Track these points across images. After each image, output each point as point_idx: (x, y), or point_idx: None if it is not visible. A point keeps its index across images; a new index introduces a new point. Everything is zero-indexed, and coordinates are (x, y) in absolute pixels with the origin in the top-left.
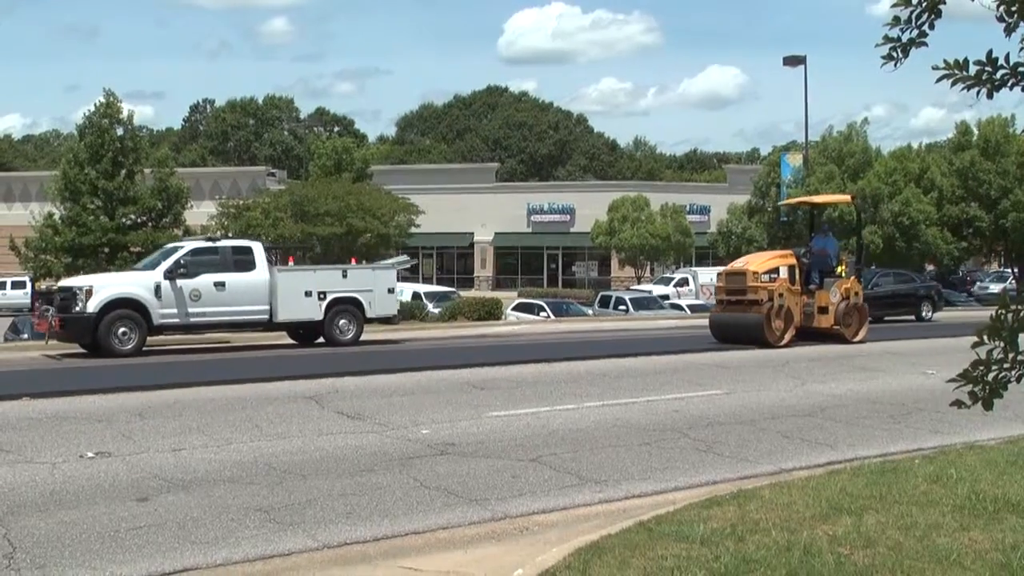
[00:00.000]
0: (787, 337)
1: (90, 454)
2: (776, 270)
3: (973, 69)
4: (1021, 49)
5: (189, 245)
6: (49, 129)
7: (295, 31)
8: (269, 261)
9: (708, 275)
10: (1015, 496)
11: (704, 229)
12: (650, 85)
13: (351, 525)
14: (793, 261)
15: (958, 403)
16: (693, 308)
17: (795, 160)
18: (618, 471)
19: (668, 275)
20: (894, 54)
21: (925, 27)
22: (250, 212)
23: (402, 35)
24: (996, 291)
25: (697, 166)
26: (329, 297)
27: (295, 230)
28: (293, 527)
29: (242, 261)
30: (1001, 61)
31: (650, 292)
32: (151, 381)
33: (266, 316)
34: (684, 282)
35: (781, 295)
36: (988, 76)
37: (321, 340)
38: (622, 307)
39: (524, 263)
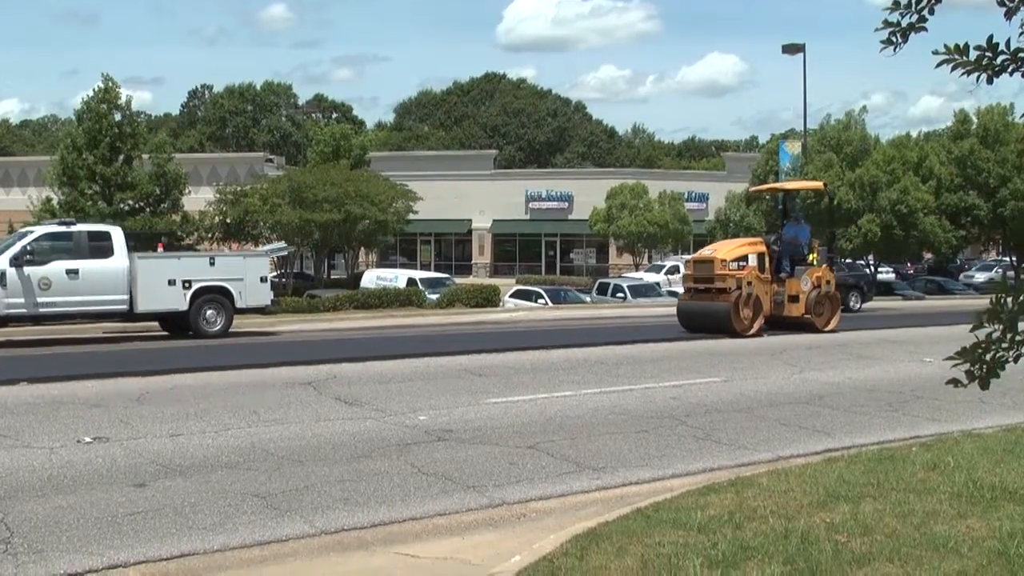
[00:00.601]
0: (756, 326)
1: (88, 439)
2: (745, 258)
3: (973, 54)
4: (1021, 34)
5: (40, 230)
6: (47, 114)
7: (294, 17)
8: (130, 247)
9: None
10: (1012, 484)
11: (702, 217)
12: (649, 72)
13: (348, 511)
14: (763, 249)
15: (954, 381)
16: None
17: (793, 148)
18: (615, 458)
19: (659, 262)
20: (893, 39)
21: (925, 12)
22: (248, 198)
23: (401, 22)
24: (981, 280)
25: (695, 154)
26: (195, 286)
27: (293, 216)
28: (291, 513)
29: (99, 247)
30: (1002, 46)
31: (641, 279)
32: (149, 367)
33: (125, 306)
34: (675, 270)
35: (750, 283)
36: (988, 62)
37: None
38: (620, 294)
39: (522, 250)
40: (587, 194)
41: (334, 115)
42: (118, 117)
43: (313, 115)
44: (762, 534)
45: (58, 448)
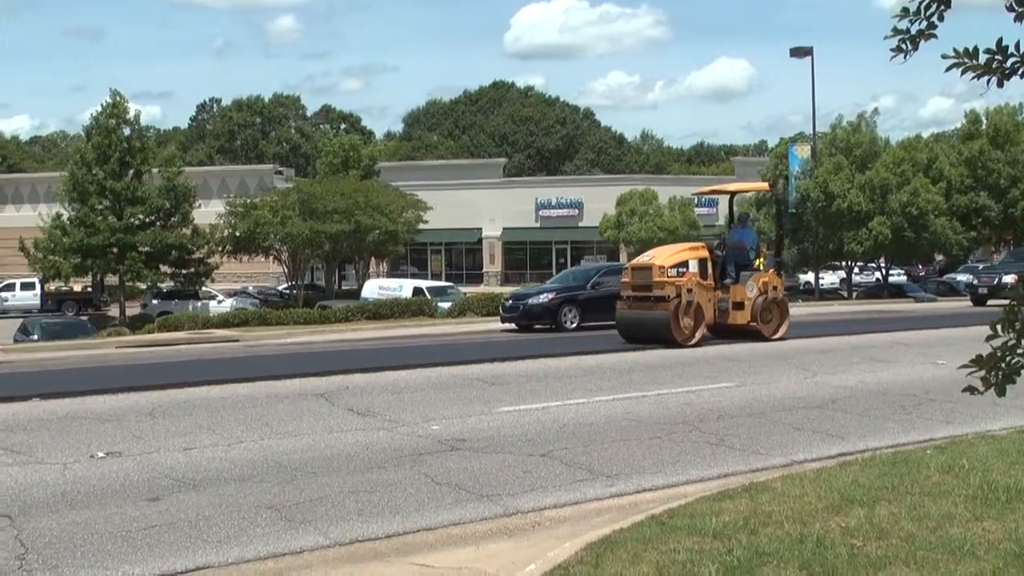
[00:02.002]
0: (697, 336)
1: (101, 454)
2: (685, 264)
3: (983, 58)
4: None
5: None
6: (56, 130)
7: (302, 29)
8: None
9: None
10: None
11: (712, 222)
12: (658, 78)
13: (363, 522)
14: (705, 254)
15: (970, 389)
16: None
17: (803, 152)
18: (629, 465)
19: None
20: (903, 46)
21: (934, 18)
22: (258, 210)
23: (409, 31)
24: (965, 282)
25: (705, 159)
26: None
27: (303, 228)
28: (304, 525)
29: None
30: (1011, 49)
31: None
32: (161, 380)
33: None
34: None
35: (690, 290)
36: (998, 64)
37: None
38: None
39: (533, 258)
40: (597, 201)
41: (343, 126)
42: (127, 132)
43: (322, 126)
44: (777, 539)
45: (71, 464)
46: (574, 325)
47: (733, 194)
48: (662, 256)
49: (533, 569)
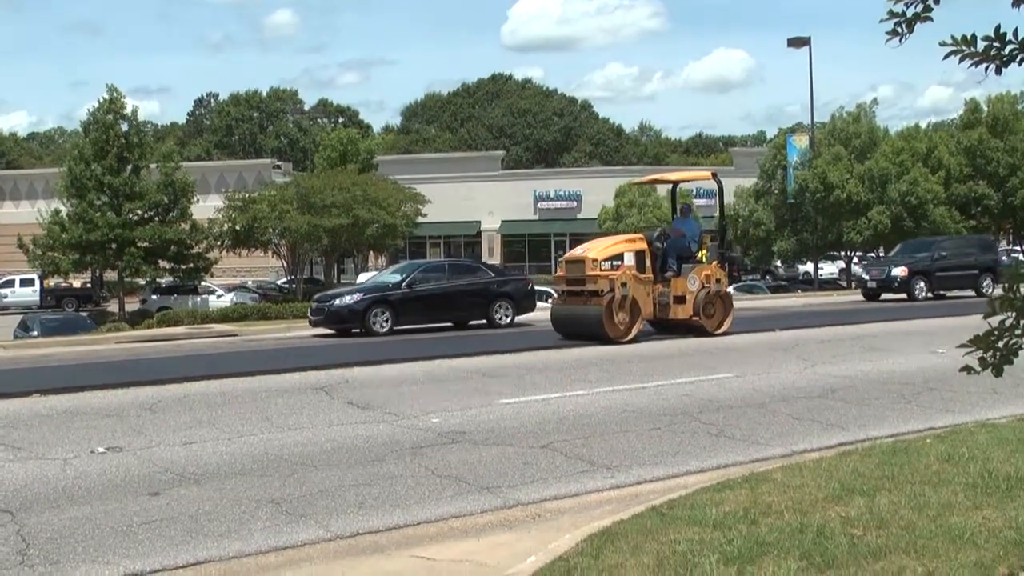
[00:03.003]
0: (634, 331)
1: (101, 449)
2: (620, 256)
3: (981, 45)
4: None
5: None
6: (55, 126)
7: (299, 23)
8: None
9: None
10: None
11: (711, 213)
12: (656, 70)
13: (363, 515)
14: (643, 246)
15: (968, 369)
16: None
17: (801, 142)
18: (629, 456)
19: None
20: (899, 29)
21: (930, 1)
22: (256, 205)
23: (406, 25)
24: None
25: (703, 150)
26: None
27: (301, 222)
28: (305, 518)
29: None
30: (1009, 36)
31: None
32: (161, 375)
33: None
34: None
35: (624, 284)
36: (996, 52)
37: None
38: None
39: (532, 250)
40: (595, 193)
41: (340, 119)
42: (125, 127)
43: (319, 120)
44: (777, 529)
45: (72, 459)
46: (385, 329)
47: (675, 183)
48: (596, 249)
49: (534, 560)
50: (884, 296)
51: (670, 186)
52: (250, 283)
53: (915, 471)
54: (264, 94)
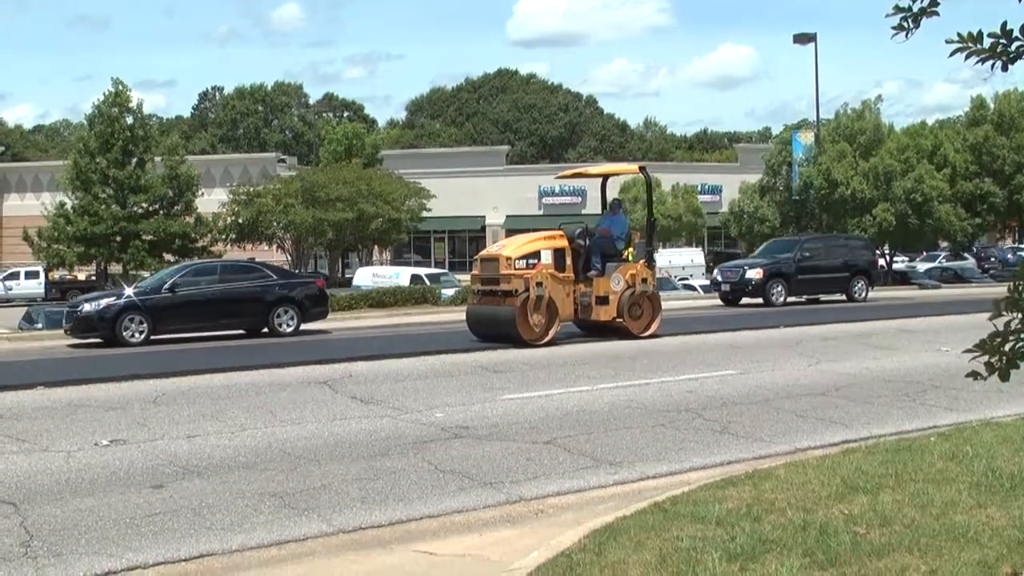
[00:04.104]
0: (550, 334)
1: (105, 442)
2: (536, 255)
3: (987, 42)
4: None
5: None
6: (60, 119)
7: (306, 16)
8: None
9: (668, 257)
10: None
11: (716, 209)
12: (661, 65)
13: (366, 510)
14: (563, 244)
15: (974, 374)
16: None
17: (806, 138)
18: (633, 453)
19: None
20: (905, 24)
21: None
22: (261, 199)
23: (413, 19)
24: (921, 271)
25: (708, 146)
26: None
27: (306, 216)
28: (308, 512)
29: None
30: (1016, 32)
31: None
32: (165, 368)
33: None
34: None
35: (540, 284)
36: (1003, 48)
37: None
38: None
39: None
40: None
41: (346, 114)
42: (130, 120)
43: (324, 114)
44: (780, 527)
45: (75, 451)
46: (139, 339)
47: (605, 177)
48: (511, 246)
49: (536, 556)
50: (744, 301)
51: (642, 181)
52: None
53: (919, 469)
54: (269, 88)
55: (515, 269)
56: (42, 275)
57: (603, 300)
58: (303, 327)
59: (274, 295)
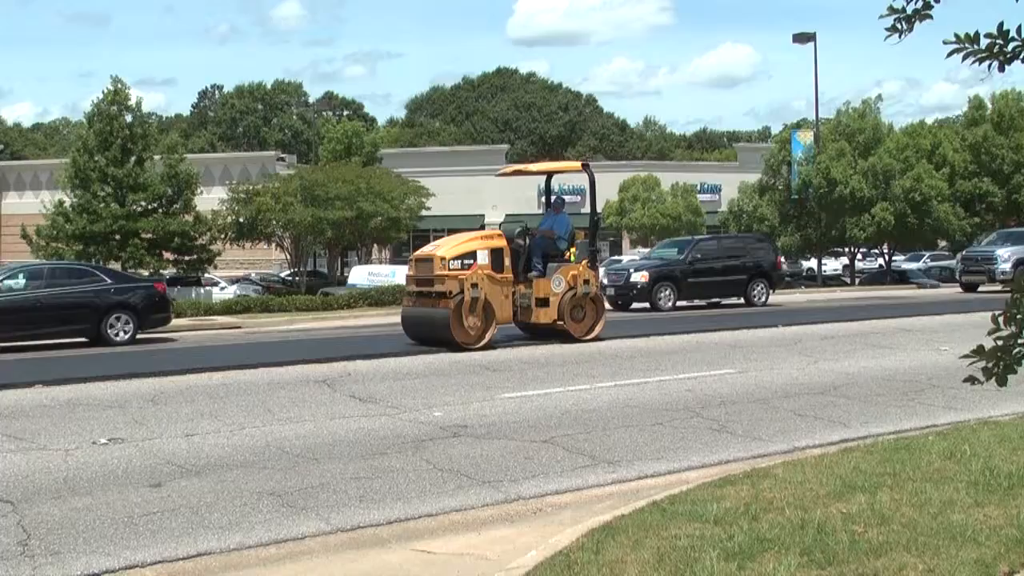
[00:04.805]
0: (487, 337)
1: (103, 440)
2: (472, 255)
3: (984, 42)
4: None
5: None
6: (60, 117)
7: (306, 15)
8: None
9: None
10: None
11: (715, 208)
12: (662, 64)
13: (364, 508)
14: (501, 244)
15: (971, 379)
16: None
17: (805, 138)
18: (631, 451)
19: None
20: (899, 26)
21: None
22: (260, 197)
23: (414, 18)
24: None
25: (708, 145)
26: None
27: (305, 214)
28: (306, 511)
29: None
30: (1013, 33)
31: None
32: (163, 367)
33: None
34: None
35: (475, 285)
36: (1000, 49)
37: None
38: None
39: None
40: (599, 187)
41: (345, 112)
42: (129, 119)
43: (324, 113)
44: (778, 525)
45: (74, 450)
46: None
47: (549, 175)
48: (446, 246)
49: (534, 555)
50: (634, 305)
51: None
52: (253, 275)
53: (917, 468)
54: (268, 86)
55: (449, 270)
56: None
57: (543, 302)
58: (145, 335)
59: (107, 301)
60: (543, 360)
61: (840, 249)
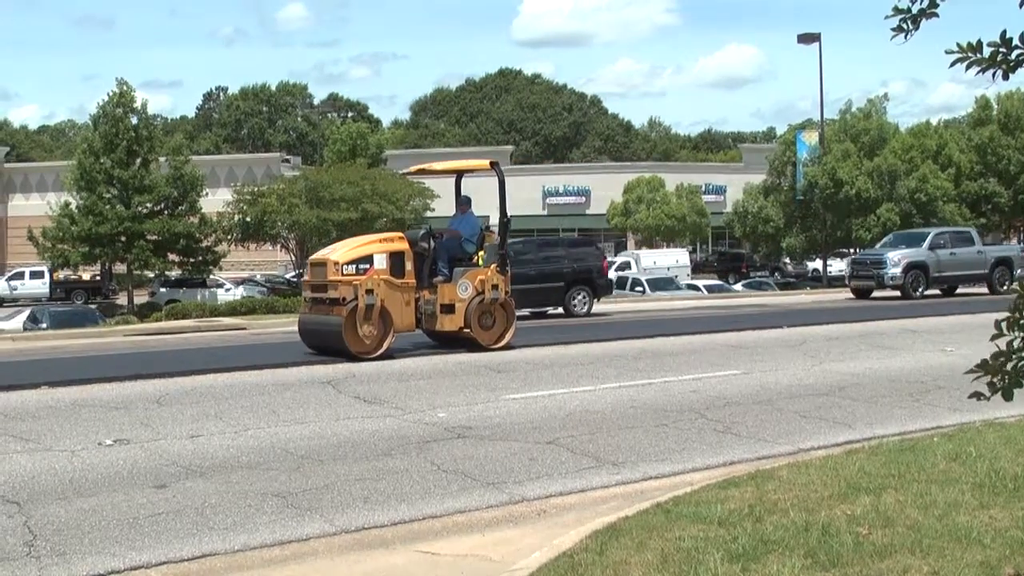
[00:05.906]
0: (384, 346)
1: (108, 441)
2: (368, 259)
3: (987, 51)
4: None
5: None
6: (66, 119)
7: (311, 17)
8: None
9: (652, 258)
10: None
11: (720, 209)
12: (667, 65)
13: (369, 509)
14: (402, 247)
15: (977, 395)
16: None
17: (811, 138)
18: (635, 453)
19: (611, 258)
20: (904, 26)
21: None
22: (265, 199)
23: (418, 19)
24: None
25: (712, 146)
26: None
27: (310, 216)
28: (311, 512)
29: None
30: (1016, 41)
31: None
32: (168, 368)
33: None
34: (626, 266)
35: (371, 291)
36: (1003, 57)
37: None
38: (639, 288)
39: None
40: (604, 188)
41: (350, 114)
42: (134, 121)
43: (329, 114)
44: (782, 527)
45: (79, 451)
46: None
47: (459, 174)
48: (341, 250)
49: (538, 556)
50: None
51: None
52: (258, 277)
53: (922, 470)
54: (273, 88)
55: (344, 275)
56: (47, 275)
57: (449, 308)
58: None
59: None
60: (548, 361)
61: (846, 250)
